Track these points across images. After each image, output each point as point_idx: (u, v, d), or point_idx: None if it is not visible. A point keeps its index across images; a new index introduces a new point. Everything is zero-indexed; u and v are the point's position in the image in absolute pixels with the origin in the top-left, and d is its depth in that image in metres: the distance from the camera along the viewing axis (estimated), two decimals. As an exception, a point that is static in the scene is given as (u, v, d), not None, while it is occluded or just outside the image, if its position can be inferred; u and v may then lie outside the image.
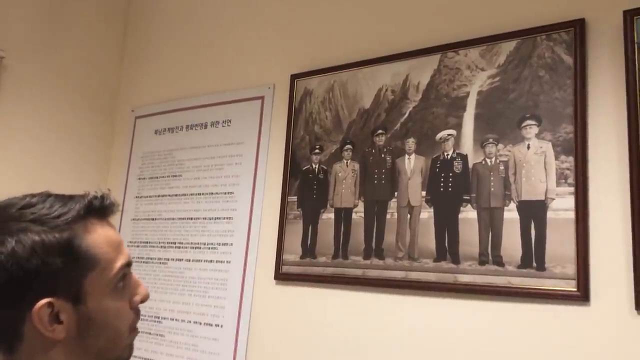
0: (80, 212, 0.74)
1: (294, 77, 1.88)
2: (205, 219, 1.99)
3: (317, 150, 1.77)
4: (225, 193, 1.97)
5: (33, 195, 0.75)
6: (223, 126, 2.07)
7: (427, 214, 1.52)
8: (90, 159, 2.34)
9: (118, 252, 0.77)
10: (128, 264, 0.78)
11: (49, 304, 0.70)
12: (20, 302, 0.70)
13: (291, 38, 1.95)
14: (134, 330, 0.81)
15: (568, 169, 1.34)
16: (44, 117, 2.18)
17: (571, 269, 1.28)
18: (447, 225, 1.48)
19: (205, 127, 2.12)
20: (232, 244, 1.90)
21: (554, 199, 1.34)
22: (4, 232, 0.70)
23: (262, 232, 1.84)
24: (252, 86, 2.01)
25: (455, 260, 1.44)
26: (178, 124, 2.21)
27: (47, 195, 0.76)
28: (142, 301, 0.81)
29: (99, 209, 0.77)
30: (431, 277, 1.47)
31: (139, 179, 2.26)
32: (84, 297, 0.72)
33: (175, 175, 2.14)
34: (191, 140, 2.14)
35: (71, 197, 0.76)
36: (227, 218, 1.94)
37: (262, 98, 1.98)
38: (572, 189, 1.32)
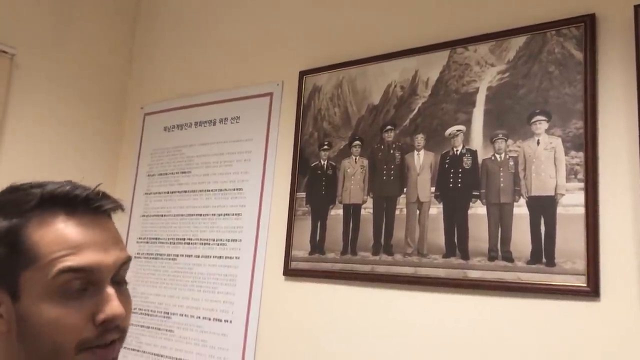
0: (36, 200, 0.67)
1: (303, 74, 1.88)
2: (214, 215, 2.00)
3: (325, 147, 1.78)
4: (234, 189, 1.98)
5: (31, 183, 0.70)
6: (232, 123, 2.07)
7: (436, 210, 1.52)
8: (99, 156, 2.35)
9: (70, 254, 0.65)
10: (81, 270, 0.66)
11: None
12: None
13: (299, 35, 1.95)
14: (86, 351, 0.66)
15: (578, 164, 1.33)
16: (54, 114, 2.20)
17: (581, 264, 1.28)
18: (456, 221, 1.48)
19: (214, 123, 2.13)
20: (241, 240, 1.90)
21: (563, 195, 1.34)
22: None
23: (271, 228, 1.84)
24: (260, 83, 2.02)
25: (465, 256, 1.44)
26: (187, 120, 2.22)
27: (44, 183, 0.69)
28: (106, 321, 0.66)
29: (62, 200, 0.68)
30: (440, 272, 1.47)
31: (148, 175, 2.27)
32: (20, 295, 0.65)
33: (184, 172, 2.15)
34: (200, 137, 2.15)
35: (59, 186, 0.69)
36: (236, 214, 1.95)
37: (270, 95, 1.99)
38: (582, 185, 1.32)
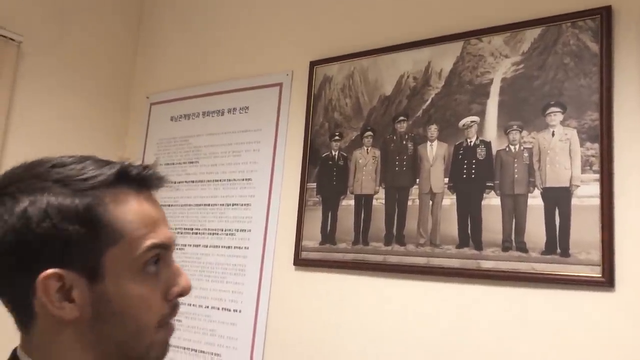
0: (110, 178, 0.64)
1: (313, 64, 1.88)
2: (223, 205, 2.00)
3: (336, 137, 1.77)
4: (243, 179, 1.98)
5: (71, 156, 0.68)
6: (240, 113, 2.07)
7: (449, 201, 1.52)
8: (105, 145, 2.34)
9: (150, 230, 0.66)
10: (163, 246, 0.67)
11: (58, 276, 0.61)
12: (29, 270, 0.61)
13: (310, 24, 1.94)
14: (164, 326, 0.68)
15: (593, 155, 1.34)
16: (60, 102, 2.18)
17: (596, 255, 1.29)
18: (470, 212, 1.48)
19: (222, 114, 2.12)
20: (250, 230, 1.90)
21: (579, 186, 1.34)
22: (22, 190, 0.63)
23: (281, 219, 1.84)
24: (270, 73, 2.01)
25: (478, 246, 1.45)
26: (194, 110, 2.21)
27: (87, 158, 0.67)
28: (181, 294, 0.69)
29: (135, 178, 0.67)
30: (454, 263, 1.48)
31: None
32: (102, 275, 0.63)
33: (192, 162, 2.15)
34: (208, 126, 2.14)
35: (109, 163, 0.67)
36: (245, 204, 1.94)
37: (280, 85, 1.98)
38: (597, 176, 1.32)
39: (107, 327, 0.64)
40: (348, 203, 1.70)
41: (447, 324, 1.47)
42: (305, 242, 1.75)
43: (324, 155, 1.79)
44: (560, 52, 1.43)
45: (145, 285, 0.65)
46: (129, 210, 0.65)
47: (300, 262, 1.75)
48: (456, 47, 1.60)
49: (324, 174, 1.77)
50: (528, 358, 1.34)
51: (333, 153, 1.77)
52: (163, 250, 0.67)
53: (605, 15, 1.38)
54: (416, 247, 1.55)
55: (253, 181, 1.95)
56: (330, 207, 1.73)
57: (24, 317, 0.66)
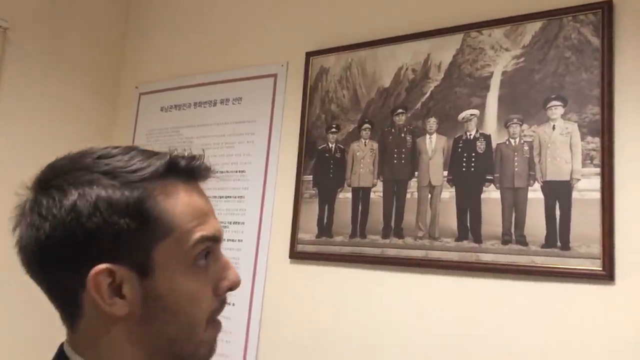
0: (159, 169, 0.62)
1: (310, 55, 1.86)
2: (215, 197, 1.97)
3: (333, 129, 1.76)
4: (236, 171, 1.95)
5: (116, 146, 0.65)
6: (233, 104, 2.04)
7: (448, 194, 1.52)
8: (93, 134, 2.28)
9: (201, 223, 0.64)
10: (213, 239, 0.65)
11: (109, 271, 0.59)
12: (78, 265, 0.59)
13: (307, 14, 1.92)
14: (213, 323, 0.67)
15: (594, 149, 1.34)
16: (47, 90, 2.13)
17: (596, 248, 1.29)
18: (469, 205, 1.48)
19: (215, 104, 2.09)
20: (243, 223, 1.88)
21: (579, 180, 1.35)
22: (70, 183, 0.61)
23: (276, 211, 1.82)
24: (264, 63, 1.98)
25: (478, 239, 1.45)
26: (185, 101, 2.17)
27: (132, 148, 0.65)
28: (231, 288, 0.67)
29: (184, 169, 0.65)
30: (452, 256, 1.47)
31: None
32: (153, 270, 0.61)
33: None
34: (199, 117, 2.11)
35: (156, 154, 0.65)
36: (238, 197, 1.92)
37: (274, 76, 1.95)
38: (598, 170, 1.33)
39: (158, 323, 0.62)
40: (345, 196, 1.69)
41: (446, 317, 1.46)
42: (301, 235, 1.73)
43: (320, 148, 1.77)
44: (561, 45, 1.43)
45: (196, 280, 0.63)
46: (179, 202, 0.63)
47: (296, 255, 1.73)
48: (456, 40, 1.59)
49: (320, 167, 1.76)
50: (527, 351, 1.34)
51: (330, 145, 1.75)
52: (212, 243, 0.65)
53: (606, 10, 1.39)
54: (414, 240, 1.54)
55: (247, 173, 1.92)
56: (327, 199, 1.72)
57: (71, 313, 0.64)
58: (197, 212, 0.64)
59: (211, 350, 0.67)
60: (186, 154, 0.66)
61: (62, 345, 0.65)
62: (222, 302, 0.67)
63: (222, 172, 1.98)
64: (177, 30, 2.28)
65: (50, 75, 2.14)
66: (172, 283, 0.62)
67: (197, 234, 0.63)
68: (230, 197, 1.93)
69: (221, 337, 1.85)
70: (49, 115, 2.13)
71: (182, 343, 0.63)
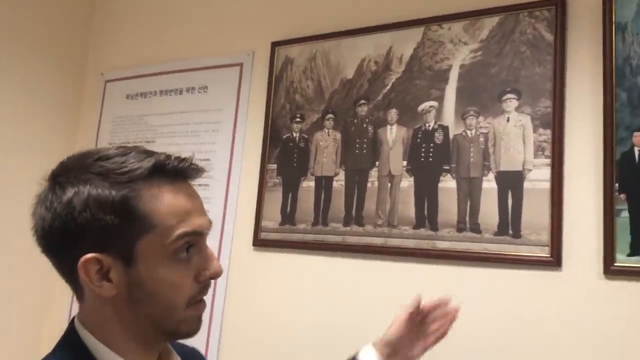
0: (146, 172, 0.70)
1: (275, 45, 1.87)
2: (181, 185, 1.97)
3: (298, 119, 1.78)
4: (201, 160, 1.94)
5: (118, 148, 0.74)
6: (199, 92, 2.04)
7: (407, 183, 1.56)
8: (57, 121, 2.26)
9: (182, 220, 0.71)
10: (194, 234, 0.73)
11: (97, 260, 0.69)
12: (72, 253, 0.70)
13: (273, 4, 1.93)
14: (194, 305, 0.75)
15: (545, 141, 1.40)
16: (11, 79, 2.10)
17: (545, 236, 1.35)
18: (426, 194, 1.52)
19: (181, 92, 2.09)
20: (209, 211, 1.86)
21: (531, 170, 1.40)
22: (70, 181, 0.71)
23: (240, 199, 1.84)
24: (230, 53, 1.99)
25: (434, 227, 1.49)
26: (151, 89, 2.17)
27: (131, 150, 0.73)
28: (212, 277, 0.75)
29: (171, 171, 0.73)
30: (410, 243, 1.52)
31: (110, 144, 2.21)
32: (136, 260, 0.70)
33: (149, 141, 2.11)
34: (165, 106, 2.11)
35: (150, 155, 0.73)
36: (203, 185, 1.92)
37: (241, 65, 1.97)
38: (548, 161, 1.38)
39: (141, 305, 0.72)
40: (308, 184, 1.72)
41: (404, 302, 1.50)
42: (264, 223, 1.76)
43: (284, 137, 1.79)
44: (517, 40, 1.48)
45: (176, 270, 0.72)
46: (162, 201, 0.71)
47: (260, 242, 1.76)
48: (417, 33, 1.63)
49: (284, 156, 1.78)
50: (480, 335, 1.39)
51: (294, 135, 1.78)
52: (195, 237, 0.73)
53: (560, 6, 1.44)
54: (374, 227, 1.58)
55: (212, 162, 1.93)
56: (290, 188, 1.74)
57: (76, 290, 0.75)
58: (180, 210, 0.72)
59: (194, 327, 0.76)
60: (172, 155, 0.74)
61: (74, 318, 0.77)
62: (204, 287, 0.76)
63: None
64: (144, 18, 2.27)
65: (15, 62, 2.11)
66: (153, 272, 0.71)
67: (178, 231, 0.71)
68: (195, 185, 1.93)
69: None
70: (14, 102, 2.10)
71: (163, 321, 0.73)
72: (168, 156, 0.74)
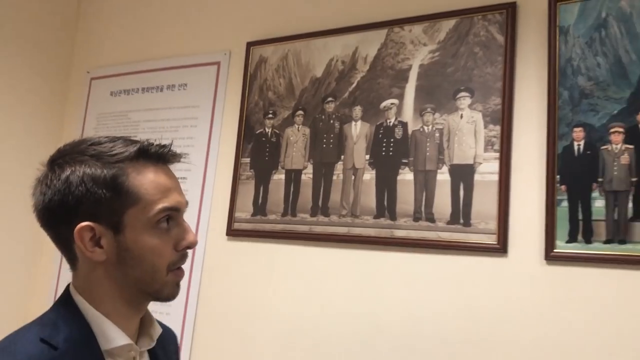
0: (132, 154, 0.84)
1: (250, 45, 1.97)
2: (160, 178, 2.06)
3: (270, 115, 1.88)
4: (180, 154, 2.05)
5: (107, 136, 0.87)
6: (179, 90, 2.14)
7: (369, 176, 1.66)
8: (43, 117, 2.35)
9: (164, 196, 0.84)
10: (173, 209, 0.85)
11: (90, 228, 0.81)
12: (70, 223, 0.81)
13: (248, 6, 2.02)
14: (174, 271, 0.87)
15: (495, 136, 1.49)
16: (-3, 73, 2.19)
17: (493, 225, 1.45)
18: (386, 186, 1.62)
19: (161, 90, 2.18)
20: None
21: (481, 163, 1.50)
22: (67, 161, 0.83)
23: (215, 191, 1.94)
24: (208, 52, 2.09)
25: (393, 217, 1.59)
26: (134, 86, 2.26)
27: (118, 138, 0.86)
28: (188, 247, 0.87)
29: (154, 154, 0.86)
30: (371, 232, 1.61)
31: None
32: (124, 228, 0.82)
33: (131, 136, 2.20)
34: (147, 102, 2.20)
35: (135, 142, 0.86)
36: (181, 178, 2.01)
37: (218, 63, 2.06)
38: (497, 155, 1.48)
39: (127, 267, 0.84)
40: (279, 177, 1.81)
41: (366, 287, 1.61)
42: (237, 214, 1.86)
43: (257, 132, 1.89)
44: (471, 42, 1.58)
45: (158, 238, 0.84)
46: (146, 179, 0.83)
47: (233, 232, 1.85)
48: (381, 35, 1.72)
49: (257, 150, 1.88)
50: (434, 316, 1.49)
51: (266, 130, 1.88)
52: (173, 212, 0.85)
53: (510, 10, 1.53)
54: (339, 217, 1.68)
55: (190, 156, 2.03)
56: (262, 181, 1.84)
57: (71, 259, 0.87)
58: (162, 187, 0.85)
59: (173, 291, 0.88)
60: (154, 142, 0.88)
61: (68, 285, 0.88)
62: (182, 256, 0.88)
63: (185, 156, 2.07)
64: (128, 18, 2.36)
65: (1, 60, 2.20)
66: (138, 239, 0.83)
67: (160, 205, 0.83)
68: (174, 172, 2.03)
69: (161, 310, 1.96)
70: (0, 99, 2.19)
71: (147, 283, 0.85)
72: (151, 142, 0.87)
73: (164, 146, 0.88)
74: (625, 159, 1.35)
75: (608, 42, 1.41)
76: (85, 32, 2.48)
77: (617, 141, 1.36)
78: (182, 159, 0.92)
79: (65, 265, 0.89)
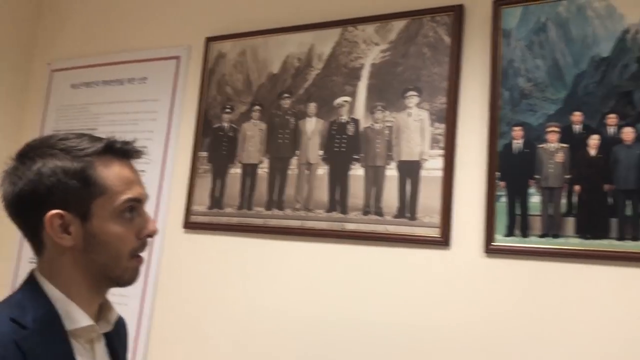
0: (99, 149, 0.91)
1: (209, 40, 1.99)
2: (120, 171, 2.08)
3: (228, 110, 1.91)
4: (139, 147, 2.07)
5: (74, 133, 0.93)
6: (139, 83, 2.15)
7: (322, 171, 1.71)
8: (3, 111, 2.34)
9: (127, 188, 0.91)
10: (136, 200, 0.93)
11: (60, 215, 0.88)
12: (40, 211, 0.88)
13: (208, 1, 2.05)
14: (135, 257, 0.95)
15: (440, 134, 1.56)
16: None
17: (437, 218, 1.52)
18: (339, 181, 1.68)
19: (122, 83, 2.19)
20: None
21: (427, 160, 1.56)
22: (38, 154, 0.89)
23: (173, 185, 1.97)
24: (169, 46, 2.11)
25: (344, 210, 1.65)
26: (95, 79, 2.27)
27: (85, 135, 0.93)
28: (149, 235, 0.95)
29: (119, 150, 0.93)
30: (323, 225, 1.67)
31: (54, 131, 2.30)
32: (91, 217, 0.89)
33: (91, 129, 2.20)
34: (107, 95, 2.21)
35: (101, 139, 0.93)
36: (140, 171, 2.03)
37: (178, 58, 2.08)
38: (442, 152, 1.54)
39: (93, 253, 0.91)
40: (236, 171, 1.85)
41: (317, 279, 1.66)
42: (195, 207, 1.89)
43: (215, 127, 1.92)
44: (420, 42, 1.64)
45: (121, 226, 0.91)
46: (112, 172, 0.91)
47: (190, 225, 1.89)
48: (335, 33, 1.77)
49: (215, 144, 1.91)
50: (380, 305, 1.55)
51: (224, 125, 1.91)
52: (136, 203, 0.93)
53: (457, 13, 1.60)
54: (293, 211, 1.72)
55: (149, 149, 2.04)
56: (219, 174, 1.88)
57: (37, 245, 0.93)
58: (126, 180, 0.92)
59: (134, 276, 0.96)
60: (119, 139, 0.95)
61: (32, 270, 0.94)
62: (143, 244, 0.95)
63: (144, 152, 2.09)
64: (90, 10, 2.36)
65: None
66: (104, 227, 0.90)
67: (124, 196, 0.91)
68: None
69: (117, 301, 1.98)
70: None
71: (110, 268, 0.92)
72: (116, 140, 0.94)
73: (128, 142, 0.95)
74: (560, 157, 1.42)
75: (547, 45, 1.48)
76: (46, 23, 2.47)
77: (553, 140, 1.43)
78: (143, 154, 0.99)
79: (25, 254, 0.95)
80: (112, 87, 2.21)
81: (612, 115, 1.38)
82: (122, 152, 0.95)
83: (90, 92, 2.26)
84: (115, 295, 1.95)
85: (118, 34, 2.25)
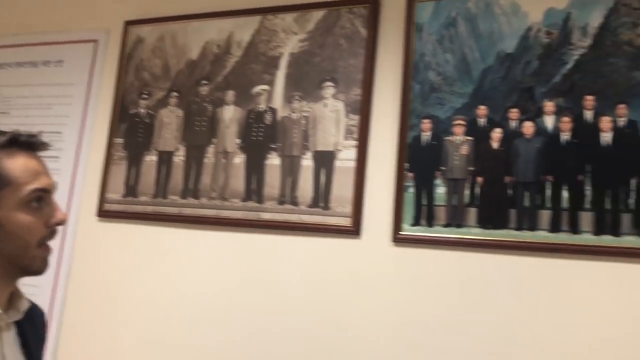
0: (4, 142, 0.91)
1: (128, 24, 1.94)
2: (32, 157, 2.00)
3: (145, 96, 1.86)
4: (53, 132, 1.99)
5: None
6: (55, 66, 2.07)
7: (239, 160, 1.70)
8: None
9: (34, 178, 0.92)
10: (43, 190, 0.93)
11: None
12: None
13: (126, -16, 1.99)
14: (43, 246, 0.95)
15: (354, 125, 1.58)
16: None
17: (349, 208, 1.54)
18: (255, 170, 1.67)
19: (36, 65, 2.10)
20: (57, 182, 1.93)
21: (341, 150, 1.58)
22: None
23: (88, 172, 1.91)
24: (86, 29, 2.03)
25: (260, 200, 1.64)
26: (6, 60, 2.16)
27: None
28: (58, 223, 0.95)
29: (24, 142, 0.94)
30: (239, 214, 1.66)
31: (-38, 114, 2.18)
32: None
33: (3, 112, 2.11)
34: (20, 78, 2.11)
35: (6, 132, 0.93)
36: (53, 157, 1.97)
37: (96, 41, 2.01)
38: (355, 143, 1.56)
39: (1, 243, 0.91)
40: (151, 159, 1.81)
41: (234, 268, 1.65)
42: (109, 195, 1.84)
43: (132, 113, 1.87)
44: (337, 33, 1.65)
45: (29, 216, 0.91)
46: (17, 164, 0.91)
47: (104, 213, 1.84)
48: (255, 21, 1.76)
49: (131, 131, 1.86)
50: (293, 292, 1.56)
51: (140, 111, 1.86)
52: (43, 193, 0.93)
53: (374, 5, 1.61)
54: (208, 200, 1.71)
55: (63, 134, 1.98)
56: (134, 162, 1.83)
57: None
58: (32, 171, 0.93)
59: (42, 265, 0.95)
60: (24, 132, 0.95)
61: None
62: (51, 232, 0.96)
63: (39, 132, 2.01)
64: (1, -13, 2.24)
65: None
66: (11, 217, 0.90)
67: (31, 186, 0.91)
68: (45, 156, 1.97)
69: (29, 290, 1.90)
70: None
71: (18, 257, 0.92)
72: (21, 132, 0.94)
73: (34, 135, 0.96)
74: (465, 149, 1.47)
75: (456, 40, 1.53)
76: (-46, -1, 2.33)
77: (459, 133, 1.48)
78: (49, 147, 0.99)
79: None
80: (26, 70, 2.12)
81: (514, 110, 1.44)
82: (28, 144, 0.95)
83: (1, 73, 2.16)
84: (27, 285, 1.89)
85: (34, 14, 2.16)
